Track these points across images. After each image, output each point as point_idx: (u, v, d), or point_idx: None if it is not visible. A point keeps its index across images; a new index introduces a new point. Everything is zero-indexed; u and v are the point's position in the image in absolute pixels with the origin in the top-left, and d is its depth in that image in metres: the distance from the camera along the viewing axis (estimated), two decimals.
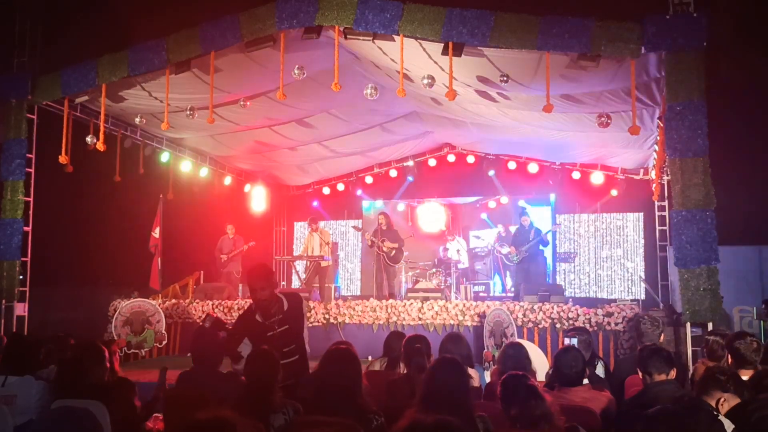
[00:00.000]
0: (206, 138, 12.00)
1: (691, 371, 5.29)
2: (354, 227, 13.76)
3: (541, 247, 11.46)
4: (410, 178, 14.61)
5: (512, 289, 12.19)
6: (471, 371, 4.46)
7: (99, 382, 3.76)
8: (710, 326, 6.85)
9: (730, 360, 4.19)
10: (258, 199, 15.11)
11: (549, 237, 11.37)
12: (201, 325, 4.54)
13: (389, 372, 4.61)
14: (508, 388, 2.98)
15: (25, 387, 3.96)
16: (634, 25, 7.11)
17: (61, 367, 3.87)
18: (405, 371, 4.23)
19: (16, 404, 3.87)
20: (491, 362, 7.82)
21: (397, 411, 3.24)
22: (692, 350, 7.08)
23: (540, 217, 13.81)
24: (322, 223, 13.64)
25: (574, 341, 4.84)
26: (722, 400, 3.24)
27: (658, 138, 9.32)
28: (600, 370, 5.16)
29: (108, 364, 4.15)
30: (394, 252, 11.60)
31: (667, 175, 8.91)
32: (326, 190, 15.69)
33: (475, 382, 4.52)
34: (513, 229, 12.50)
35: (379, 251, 11.54)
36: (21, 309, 9.40)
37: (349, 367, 3.23)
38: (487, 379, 5.96)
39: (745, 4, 9.81)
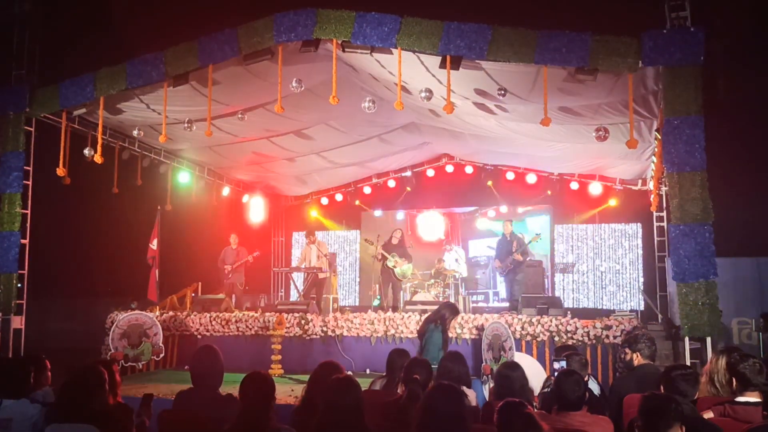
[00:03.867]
0: (204, 149, 12.00)
1: None
2: (366, 240, 13.73)
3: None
4: (408, 189, 14.63)
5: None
6: (468, 391, 4.43)
7: (97, 406, 3.73)
8: (709, 341, 6.85)
9: (734, 384, 4.15)
10: (256, 209, 15.12)
11: (529, 248, 11.26)
12: (202, 344, 4.48)
13: (388, 392, 4.58)
14: (504, 418, 2.97)
15: (20, 410, 3.93)
16: (631, 39, 7.13)
17: (60, 391, 3.84)
18: (402, 393, 4.21)
19: (11, 428, 3.85)
20: (489, 376, 7.79)
21: None
22: (691, 363, 7.08)
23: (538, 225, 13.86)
24: (319, 235, 13.61)
25: (563, 364, 4.80)
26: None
27: (656, 150, 9.33)
28: (594, 387, 5.13)
29: (108, 387, 4.10)
30: (404, 267, 11.63)
31: (666, 186, 8.92)
32: (324, 201, 15.69)
33: (472, 402, 4.49)
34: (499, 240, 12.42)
35: (391, 266, 11.59)
36: (18, 322, 9.37)
37: (353, 398, 3.21)
38: (486, 395, 5.93)
39: (743, 20, 9.83)
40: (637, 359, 5.02)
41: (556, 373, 4.38)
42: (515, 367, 4.31)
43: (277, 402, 6.57)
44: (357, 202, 15.31)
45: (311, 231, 12.76)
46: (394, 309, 10.94)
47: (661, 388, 4.07)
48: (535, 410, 3.75)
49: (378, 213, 15.32)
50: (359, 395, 3.25)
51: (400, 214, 15.34)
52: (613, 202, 13.27)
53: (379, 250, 11.83)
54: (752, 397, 3.98)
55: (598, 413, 3.99)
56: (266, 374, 3.49)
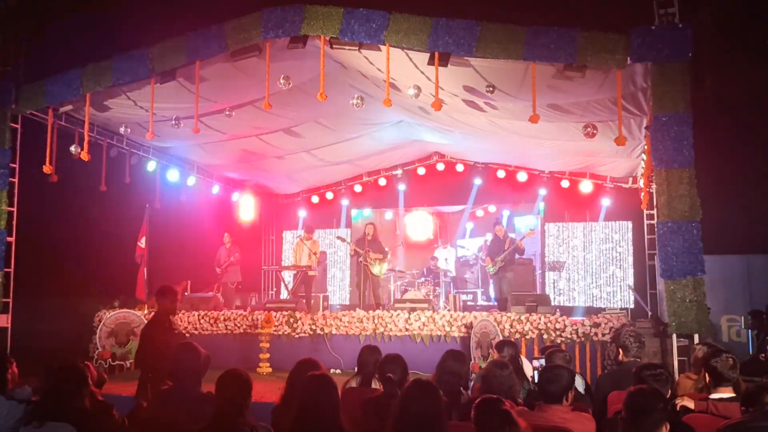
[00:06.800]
0: (193, 147, 11.93)
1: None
2: (338, 238, 13.67)
3: (517, 256, 11.34)
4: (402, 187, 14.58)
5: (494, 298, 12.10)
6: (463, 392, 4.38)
7: (78, 405, 3.69)
8: (696, 338, 6.85)
9: (707, 378, 4.14)
10: (246, 208, 15.04)
11: (523, 245, 11.24)
12: (181, 342, 4.43)
13: (364, 389, 4.54)
14: (480, 414, 2.93)
15: None
16: (619, 36, 7.12)
17: (44, 390, 3.81)
18: (381, 389, 4.16)
19: None
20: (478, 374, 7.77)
21: (370, 429, 3.19)
22: (678, 360, 7.08)
23: (526, 224, 13.82)
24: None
25: (542, 362, 4.76)
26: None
27: (646, 147, 9.32)
28: (579, 385, 5.10)
29: (90, 382, 4.07)
30: (378, 263, 11.52)
31: (655, 184, 8.91)
32: (315, 199, 15.63)
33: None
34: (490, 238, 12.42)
35: (364, 262, 11.46)
36: (4, 320, 9.29)
37: (329, 395, 3.17)
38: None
39: (731, 16, 9.83)
40: (622, 356, 5.01)
41: (536, 371, 4.35)
42: (504, 366, 4.25)
43: (263, 400, 6.54)
44: (345, 202, 15.23)
45: (310, 228, 12.65)
46: (377, 306, 10.88)
47: None
48: (518, 408, 3.71)
49: (368, 212, 15.26)
50: (334, 392, 3.21)
51: (389, 214, 15.28)
52: (604, 201, 13.23)
53: (353, 247, 11.74)
54: (726, 393, 3.97)
55: (582, 410, 3.96)
56: (242, 372, 3.44)
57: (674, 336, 7.03)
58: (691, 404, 3.92)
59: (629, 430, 3.01)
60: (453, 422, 3.34)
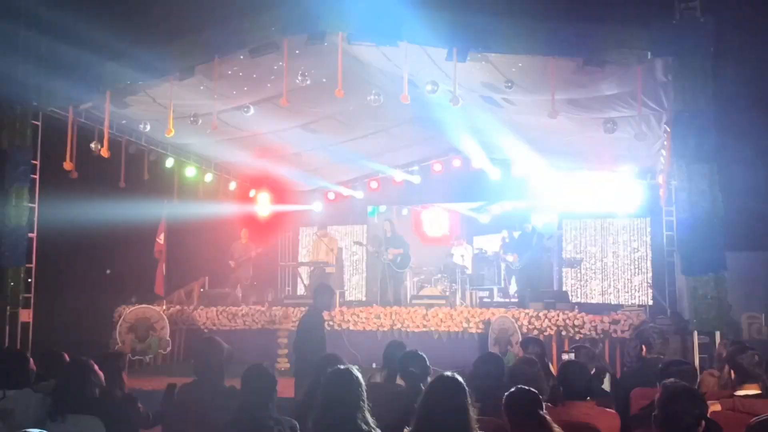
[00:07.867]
0: (211, 144, 11.99)
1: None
2: (355, 242, 13.68)
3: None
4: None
5: (515, 295, 12.09)
6: None
7: (96, 396, 3.72)
8: (718, 335, 6.78)
9: (732, 375, 4.11)
10: (263, 204, 15.10)
11: (550, 242, 11.19)
12: (204, 336, 4.47)
13: (388, 384, 4.55)
14: (511, 404, 2.93)
15: (23, 400, 3.92)
16: (640, 30, 7.06)
17: (58, 383, 3.84)
18: (404, 384, 4.17)
19: (14, 418, 3.84)
20: None
21: (394, 424, 3.20)
22: (700, 357, 7.01)
23: (544, 221, 13.76)
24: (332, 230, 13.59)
25: (571, 356, 4.77)
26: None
27: (666, 143, 9.24)
28: (607, 384, 5.08)
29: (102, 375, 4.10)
30: (399, 258, 11.51)
31: (675, 179, 8.84)
32: (331, 195, 15.64)
33: None
34: (516, 234, 12.43)
35: (384, 260, 11.46)
36: (26, 315, 9.39)
37: (353, 389, 3.19)
38: None
39: (753, 9, 9.70)
40: (645, 352, 4.98)
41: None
42: (532, 363, 4.21)
43: (281, 395, 6.58)
44: (362, 195, 15.24)
45: (323, 225, 12.70)
46: (397, 302, 10.88)
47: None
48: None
49: (383, 208, 15.25)
50: (359, 387, 3.21)
51: (405, 210, 15.27)
52: (622, 197, 13.12)
53: (370, 249, 11.75)
54: (752, 390, 3.93)
55: (606, 407, 3.94)
56: (267, 366, 3.47)
57: (695, 333, 6.96)
58: (718, 407, 3.87)
59: (666, 428, 2.92)
60: (483, 417, 3.32)
